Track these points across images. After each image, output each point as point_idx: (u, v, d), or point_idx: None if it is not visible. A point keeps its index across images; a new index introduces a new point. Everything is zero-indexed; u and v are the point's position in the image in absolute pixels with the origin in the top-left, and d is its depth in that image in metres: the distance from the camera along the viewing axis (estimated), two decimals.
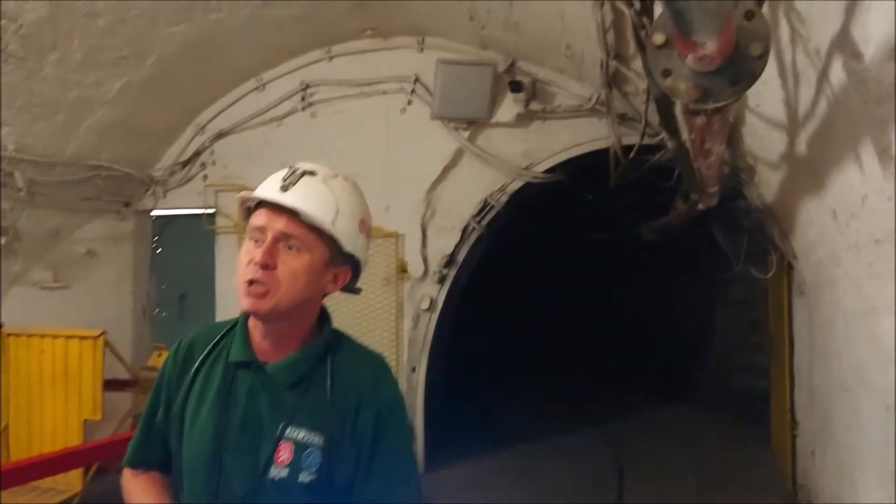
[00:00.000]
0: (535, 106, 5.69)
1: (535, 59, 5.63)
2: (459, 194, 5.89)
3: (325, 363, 1.58)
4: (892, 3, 1.48)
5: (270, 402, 1.54)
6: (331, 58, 5.97)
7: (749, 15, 1.82)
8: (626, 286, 11.22)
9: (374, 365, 1.66)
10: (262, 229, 1.49)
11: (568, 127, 5.74)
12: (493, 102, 5.70)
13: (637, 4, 2.19)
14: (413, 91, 5.85)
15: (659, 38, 1.86)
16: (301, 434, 1.51)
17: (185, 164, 6.27)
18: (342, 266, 1.58)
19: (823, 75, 2.14)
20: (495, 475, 6.00)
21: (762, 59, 1.82)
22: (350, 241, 1.54)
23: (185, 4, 4.86)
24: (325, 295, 1.62)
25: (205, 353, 1.62)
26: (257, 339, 1.58)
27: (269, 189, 1.51)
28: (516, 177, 5.82)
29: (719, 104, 1.88)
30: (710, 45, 1.61)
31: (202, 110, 6.25)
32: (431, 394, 6.11)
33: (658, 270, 9.79)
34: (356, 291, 1.69)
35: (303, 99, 6.02)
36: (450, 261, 5.87)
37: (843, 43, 1.86)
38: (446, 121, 5.76)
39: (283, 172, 1.54)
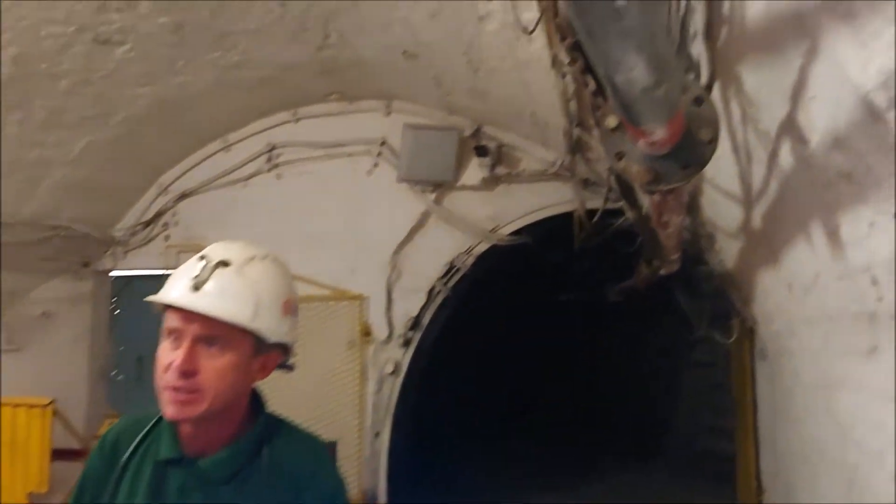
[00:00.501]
0: (500, 170, 5.76)
1: (500, 124, 5.71)
2: (425, 256, 5.88)
3: (261, 454, 1.50)
4: (835, 96, 1.52)
5: (204, 499, 1.46)
6: (297, 120, 6.00)
7: (698, 101, 1.86)
8: (595, 346, 11.23)
9: (313, 451, 1.58)
10: (177, 331, 1.41)
11: (533, 190, 5.80)
12: (460, 166, 5.76)
13: (592, 85, 2.22)
14: (379, 154, 5.88)
15: (611, 122, 1.90)
16: None
17: (147, 224, 6.19)
18: (270, 352, 1.52)
19: (773, 156, 2.18)
20: None
21: (712, 144, 1.86)
22: (274, 330, 1.47)
23: (151, 67, 4.87)
24: (259, 380, 1.57)
25: (132, 448, 1.52)
26: (186, 432, 1.48)
27: (179, 290, 1.42)
28: (482, 239, 5.84)
29: (671, 187, 1.92)
30: (660, 133, 1.64)
31: (166, 170, 6.20)
32: (396, 459, 5.98)
33: (626, 331, 9.83)
34: (289, 369, 1.63)
35: (269, 160, 6.01)
36: (415, 323, 5.82)
37: (790, 128, 1.90)
38: (412, 183, 5.80)
39: (195, 265, 1.45)
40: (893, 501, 0.90)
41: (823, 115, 1.64)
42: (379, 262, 5.84)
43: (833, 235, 1.93)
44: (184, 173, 6.18)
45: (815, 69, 1.57)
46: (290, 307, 1.54)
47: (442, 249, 5.87)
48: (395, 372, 5.83)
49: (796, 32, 1.58)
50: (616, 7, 0.95)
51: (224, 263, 1.45)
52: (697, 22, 1.86)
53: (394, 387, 5.88)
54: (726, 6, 1.88)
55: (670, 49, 1.31)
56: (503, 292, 8.39)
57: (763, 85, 1.96)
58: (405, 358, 5.85)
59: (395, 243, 5.84)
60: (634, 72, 1.22)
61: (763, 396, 5.24)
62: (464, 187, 5.84)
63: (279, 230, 5.66)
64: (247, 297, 1.43)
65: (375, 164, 5.92)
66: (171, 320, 1.43)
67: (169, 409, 1.40)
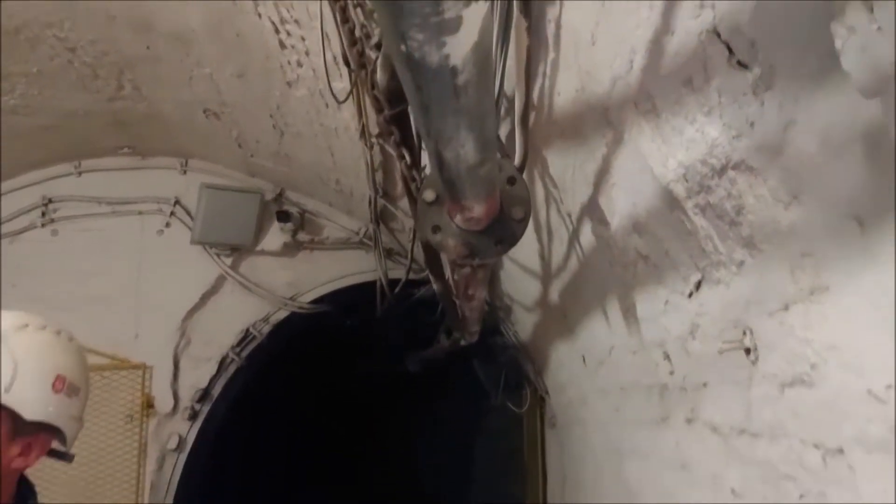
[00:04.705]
0: (302, 236, 5.65)
1: (304, 190, 5.63)
2: (219, 323, 5.56)
3: None
4: (635, 184, 1.63)
5: None
6: (80, 173, 5.50)
7: (511, 181, 1.93)
8: (394, 415, 11.19)
9: None
10: None
11: (336, 258, 5.74)
12: (260, 230, 5.56)
13: (407, 158, 2.24)
14: (172, 213, 5.53)
15: (429, 196, 1.91)
16: None
17: None
18: (36, 434, 1.32)
19: (574, 236, 2.32)
20: None
21: (523, 222, 1.93)
22: (37, 407, 1.29)
23: None
24: (21, 469, 1.35)
25: None
26: None
27: None
28: (281, 306, 5.65)
29: (485, 262, 1.96)
30: (478, 209, 1.67)
31: None
32: None
33: (424, 399, 9.90)
34: (65, 458, 1.42)
35: (43, 214, 5.43)
36: (204, 395, 5.44)
37: (592, 211, 2.02)
38: (208, 246, 5.50)
39: None
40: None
41: (623, 201, 1.77)
42: (167, 328, 5.42)
43: (629, 312, 2.06)
44: None
45: (618, 159, 1.69)
46: (67, 386, 1.34)
47: (237, 316, 5.60)
48: (178, 448, 5.38)
49: (601, 124, 1.69)
50: (456, 84, 0.94)
51: None
52: (510, 104, 1.94)
53: (176, 464, 5.41)
54: (535, 94, 1.99)
55: (495, 130, 1.33)
56: (302, 362, 8.14)
57: (567, 169, 2.09)
58: (191, 432, 5.43)
59: (186, 309, 5.47)
60: (464, 149, 1.23)
61: (552, 463, 5.46)
62: (263, 252, 5.64)
63: (51, 291, 5.10)
64: (3, 366, 1.25)
65: (167, 224, 5.55)
66: None
67: None
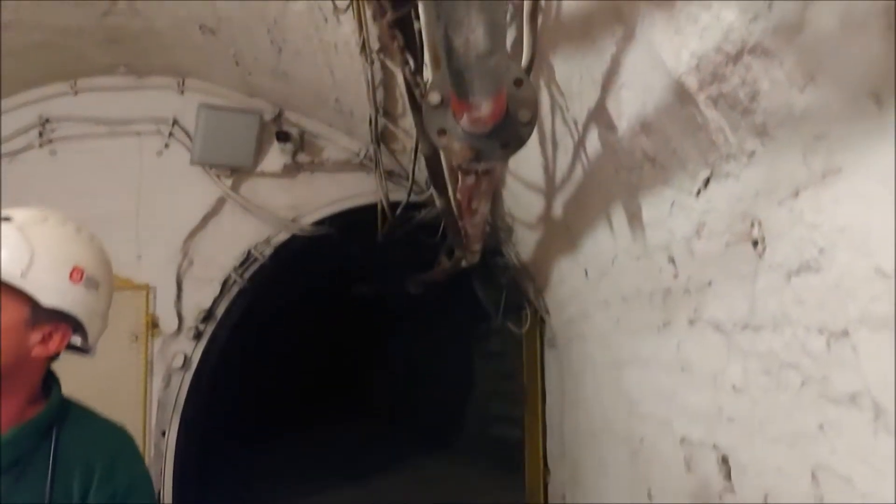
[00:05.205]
0: (302, 158, 5.61)
1: (303, 110, 5.56)
2: (220, 245, 5.57)
3: (49, 441, 1.32)
4: (645, 82, 1.61)
5: None
6: (76, 92, 5.42)
7: (518, 83, 1.90)
8: (394, 337, 11.35)
9: (113, 440, 1.42)
10: None
11: (337, 180, 5.71)
12: (259, 151, 5.51)
13: (411, 64, 2.21)
14: (171, 134, 5.47)
15: (434, 98, 1.88)
16: None
17: None
18: (55, 323, 1.34)
19: (580, 144, 2.30)
20: None
21: (530, 125, 1.91)
22: (53, 294, 1.30)
23: None
24: (49, 359, 1.38)
25: None
26: None
27: None
28: (282, 228, 5.65)
29: (490, 165, 1.95)
30: (485, 108, 1.65)
31: None
32: (185, 459, 5.61)
33: (423, 323, 10.03)
34: (86, 352, 1.45)
35: (41, 135, 5.38)
36: (207, 315, 5.49)
37: (599, 116, 2.00)
38: (207, 167, 5.46)
39: None
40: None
41: (632, 101, 1.74)
42: (168, 249, 5.44)
43: (634, 217, 2.06)
44: None
45: (628, 57, 1.66)
46: (85, 279, 1.36)
47: (238, 238, 5.60)
48: (184, 366, 5.46)
49: (611, 22, 1.66)
50: None
51: (5, 220, 1.28)
52: (517, 9, 1.90)
53: (182, 382, 5.51)
54: None
55: (504, 18, 1.31)
56: (303, 283, 8.22)
57: (574, 74, 2.05)
58: (196, 351, 5.51)
59: (187, 230, 5.47)
60: (474, 34, 1.20)
61: (551, 383, 5.57)
62: (263, 174, 5.60)
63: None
64: (19, 252, 1.26)
65: (166, 145, 5.50)
66: None
67: None
